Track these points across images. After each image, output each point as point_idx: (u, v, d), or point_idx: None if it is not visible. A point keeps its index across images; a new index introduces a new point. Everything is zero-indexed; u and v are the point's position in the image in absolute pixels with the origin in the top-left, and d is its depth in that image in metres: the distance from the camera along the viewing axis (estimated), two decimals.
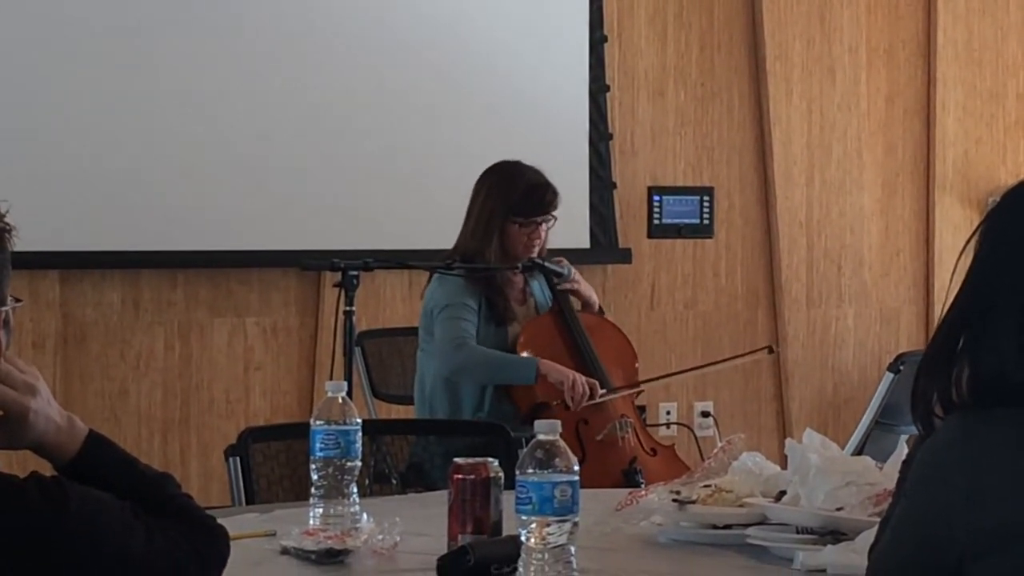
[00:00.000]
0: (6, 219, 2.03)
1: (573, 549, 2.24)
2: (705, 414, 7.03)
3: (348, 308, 4.60)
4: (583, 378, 4.75)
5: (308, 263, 5.51)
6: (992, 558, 1.81)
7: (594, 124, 6.87)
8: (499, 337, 4.86)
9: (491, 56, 6.68)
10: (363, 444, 2.83)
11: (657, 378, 5.47)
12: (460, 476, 2.65)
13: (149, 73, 6.10)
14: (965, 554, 1.83)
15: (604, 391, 4.78)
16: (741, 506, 2.82)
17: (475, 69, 6.64)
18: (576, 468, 2.25)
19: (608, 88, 6.93)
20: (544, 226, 4.86)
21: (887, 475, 2.69)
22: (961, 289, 1.92)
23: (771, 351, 5.40)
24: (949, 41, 7.57)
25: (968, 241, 1.93)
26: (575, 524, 2.24)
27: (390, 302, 6.54)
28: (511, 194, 4.83)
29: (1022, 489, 1.80)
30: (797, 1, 7.30)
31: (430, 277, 4.93)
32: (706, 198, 7.18)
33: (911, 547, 1.90)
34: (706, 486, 2.90)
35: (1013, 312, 1.86)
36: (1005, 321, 1.86)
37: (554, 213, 4.87)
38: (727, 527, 2.78)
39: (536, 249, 4.88)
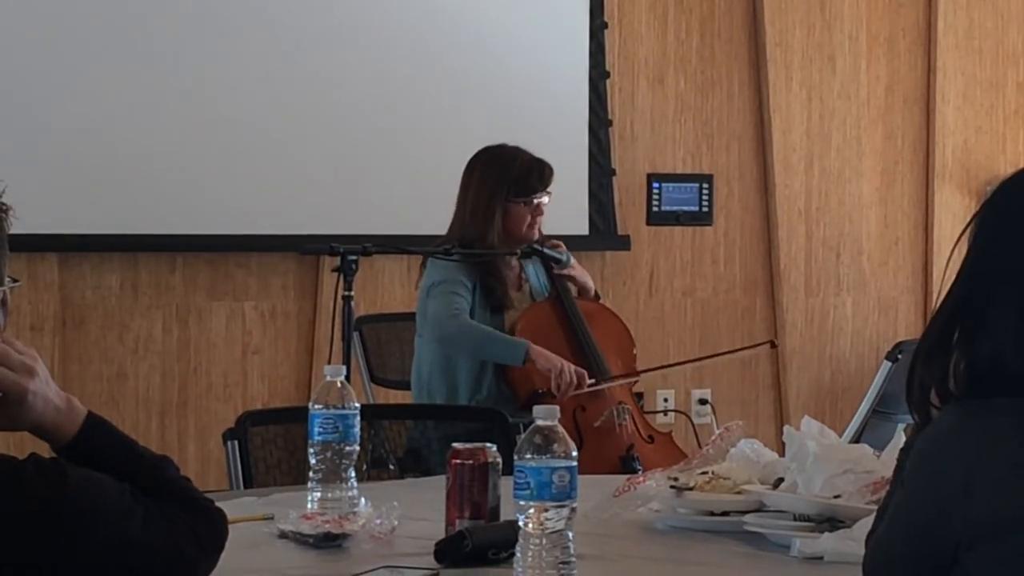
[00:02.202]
0: (2, 199, 2.04)
1: (571, 534, 2.24)
2: (703, 402, 7.03)
3: (347, 293, 4.60)
4: (571, 367, 4.75)
5: (307, 247, 5.50)
6: (989, 547, 1.81)
7: (594, 110, 6.87)
8: (495, 324, 4.86)
9: (491, 42, 6.67)
10: (361, 429, 2.83)
11: (655, 368, 5.44)
12: (458, 461, 2.65)
13: (149, 57, 6.09)
14: (961, 543, 1.83)
15: (592, 381, 4.78)
16: (738, 493, 2.82)
17: (475, 55, 6.64)
18: (574, 454, 2.25)
19: (608, 74, 6.93)
20: (545, 202, 4.89)
21: (884, 463, 2.69)
22: (957, 278, 1.92)
23: (773, 345, 5.33)
24: (949, 30, 7.57)
25: (964, 230, 1.92)
26: (573, 510, 2.24)
27: (388, 287, 6.54)
28: (509, 174, 4.85)
29: (1019, 478, 1.80)
30: None
31: (423, 264, 4.94)
32: (705, 185, 7.17)
33: (908, 536, 1.90)
34: (704, 473, 2.90)
35: (1011, 301, 1.86)
36: (1003, 310, 1.86)
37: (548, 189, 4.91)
38: (724, 514, 2.79)
39: (538, 227, 4.90)
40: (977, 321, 1.88)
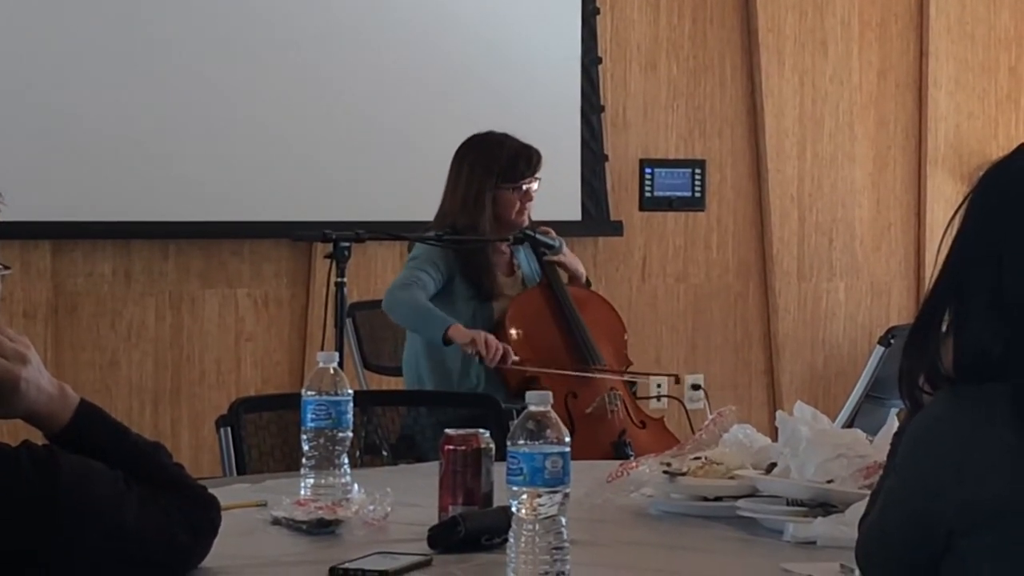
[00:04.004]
0: None
1: (564, 520, 2.24)
2: (696, 387, 7.03)
3: (339, 279, 4.60)
4: (493, 338, 4.72)
5: (300, 234, 5.50)
6: (982, 533, 1.81)
7: (586, 96, 6.86)
8: (485, 312, 4.87)
9: (483, 28, 6.66)
10: (354, 415, 2.83)
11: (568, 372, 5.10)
12: (451, 447, 2.65)
13: (141, 46, 6.08)
14: (954, 529, 1.83)
15: (516, 358, 4.75)
16: (731, 478, 2.82)
17: (467, 41, 6.63)
18: (567, 439, 2.25)
19: (600, 60, 6.92)
20: (534, 188, 4.90)
21: (877, 448, 2.70)
22: (944, 264, 1.92)
23: (677, 381, 5.24)
24: (941, 14, 7.56)
25: (952, 217, 1.93)
26: (566, 495, 2.24)
27: (381, 273, 6.53)
28: (497, 160, 4.86)
29: (1011, 464, 1.80)
30: None
31: (409, 251, 4.94)
32: (698, 171, 7.17)
33: (901, 522, 1.90)
34: (696, 458, 2.90)
35: (986, 286, 1.86)
36: (980, 295, 1.86)
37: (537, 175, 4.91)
38: (717, 499, 2.79)
39: (528, 213, 4.90)
40: (963, 306, 1.88)
